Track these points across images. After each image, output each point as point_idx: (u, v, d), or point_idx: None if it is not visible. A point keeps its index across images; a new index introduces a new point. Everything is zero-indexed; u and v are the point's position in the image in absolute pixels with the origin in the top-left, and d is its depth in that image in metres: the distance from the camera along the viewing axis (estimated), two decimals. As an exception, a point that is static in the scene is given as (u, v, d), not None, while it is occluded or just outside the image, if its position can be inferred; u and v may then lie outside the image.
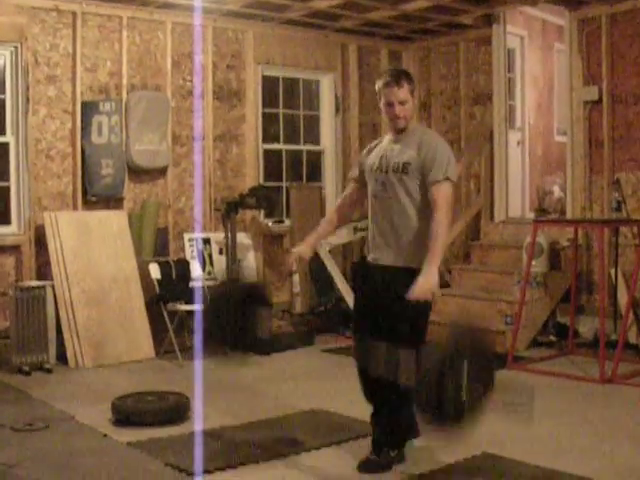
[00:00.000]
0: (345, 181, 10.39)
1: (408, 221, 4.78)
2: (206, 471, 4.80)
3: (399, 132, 4.90)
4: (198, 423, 5.65)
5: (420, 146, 4.79)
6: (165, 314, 8.02)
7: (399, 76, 4.84)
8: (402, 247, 4.78)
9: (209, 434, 5.47)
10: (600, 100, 8.71)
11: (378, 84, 4.91)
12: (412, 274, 4.58)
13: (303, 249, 5.15)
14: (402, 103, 4.81)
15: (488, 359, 4.42)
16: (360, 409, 5.17)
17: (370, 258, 4.98)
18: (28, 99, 8.05)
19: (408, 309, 4.55)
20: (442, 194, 4.67)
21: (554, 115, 11.65)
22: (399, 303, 4.56)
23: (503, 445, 4.52)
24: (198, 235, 9.12)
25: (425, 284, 4.51)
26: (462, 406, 4.12)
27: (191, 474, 4.76)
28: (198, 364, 7.06)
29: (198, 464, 4.91)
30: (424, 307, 4.66)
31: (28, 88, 8.04)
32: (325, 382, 7.02)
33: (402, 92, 4.80)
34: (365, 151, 5.20)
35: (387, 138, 5.04)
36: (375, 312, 4.80)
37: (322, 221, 5.38)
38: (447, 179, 4.70)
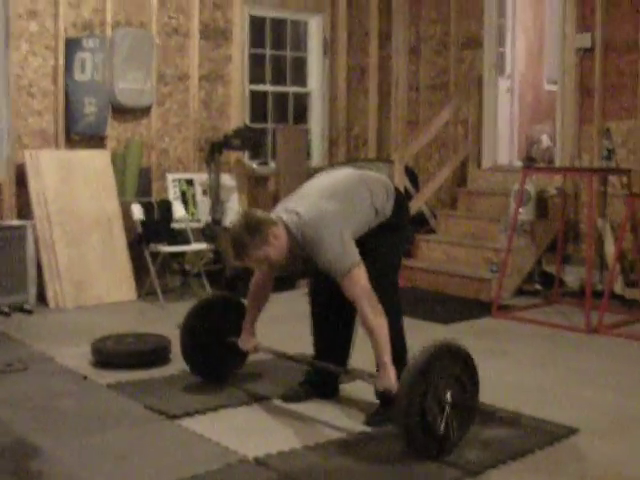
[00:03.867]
0: (332, 123, 10.31)
1: None
2: (186, 414, 4.76)
3: None
4: (179, 366, 5.59)
5: None
6: (147, 255, 7.95)
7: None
8: None
9: (190, 377, 5.41)
10: (593, 48, 8.57)
11: None
12: None
13: None
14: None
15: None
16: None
17: None
18: (8, 33, 7.85)
19: None
20: None
21: (544, 63, 11.52)
22: None
23: (485, 391, 4.47)
24: (182, 175, 9.01)
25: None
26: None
27: (171, 417, 4.71)
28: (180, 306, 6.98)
29: (178, 407, 4.87)
30: None
31: (8, 21, 7.82)
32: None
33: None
34: None
35: None
36: None
37: None
38: None
